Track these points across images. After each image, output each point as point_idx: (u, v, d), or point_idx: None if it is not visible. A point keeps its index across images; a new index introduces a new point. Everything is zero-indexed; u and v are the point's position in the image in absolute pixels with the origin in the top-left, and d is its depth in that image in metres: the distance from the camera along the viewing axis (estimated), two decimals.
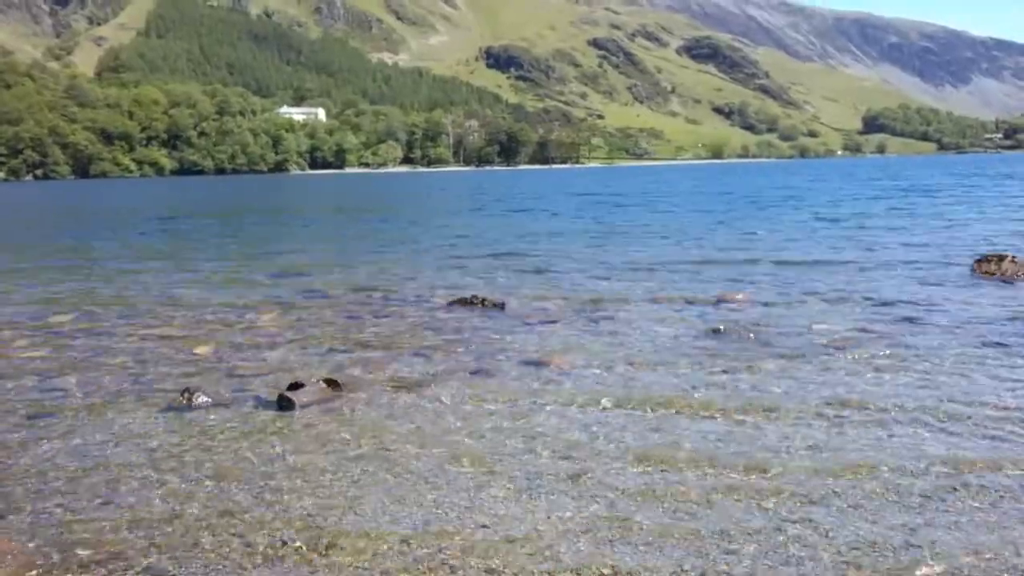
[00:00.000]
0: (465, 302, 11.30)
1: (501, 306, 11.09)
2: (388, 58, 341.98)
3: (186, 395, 7.01)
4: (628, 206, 36.18)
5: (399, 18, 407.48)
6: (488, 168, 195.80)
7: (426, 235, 23.70)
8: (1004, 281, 12.24)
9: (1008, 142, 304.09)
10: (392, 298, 12.09)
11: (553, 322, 10.03)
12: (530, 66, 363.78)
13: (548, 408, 6.62)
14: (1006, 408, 6.28)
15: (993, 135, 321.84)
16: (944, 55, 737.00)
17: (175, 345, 9.18)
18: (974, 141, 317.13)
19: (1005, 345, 8.26)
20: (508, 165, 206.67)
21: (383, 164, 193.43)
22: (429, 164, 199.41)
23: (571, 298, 11.68)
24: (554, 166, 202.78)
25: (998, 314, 9.81)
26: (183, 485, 5.19)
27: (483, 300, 11.27)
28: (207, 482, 5.22)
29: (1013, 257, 13.10)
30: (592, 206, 37.03)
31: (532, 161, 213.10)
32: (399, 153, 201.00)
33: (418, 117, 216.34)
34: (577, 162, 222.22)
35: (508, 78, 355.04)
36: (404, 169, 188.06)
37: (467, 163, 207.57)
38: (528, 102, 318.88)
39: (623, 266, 15.13)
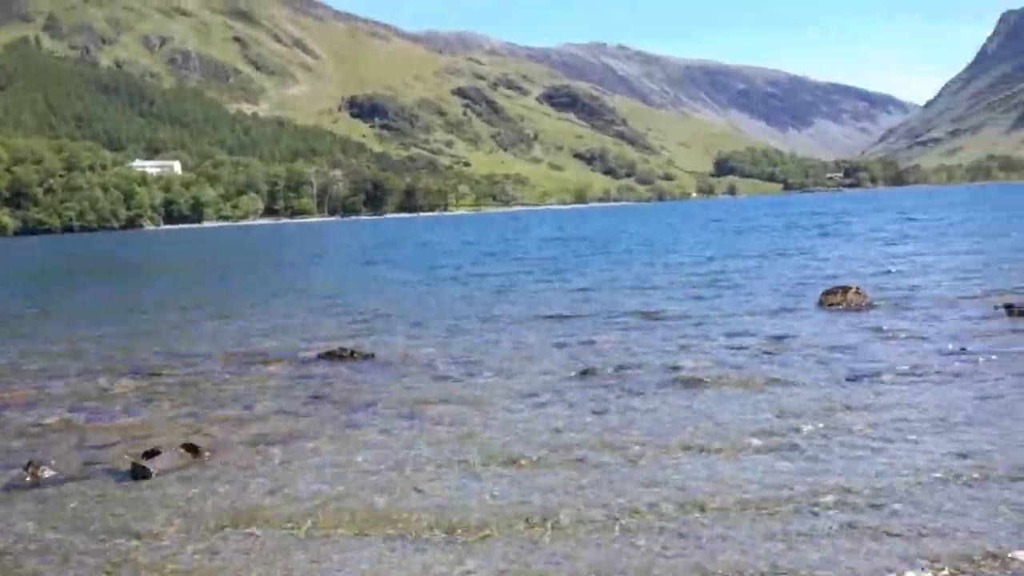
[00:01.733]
0: (333, 354, 11.07)
1: (371, 357, 10.92)
2: (247, 108, 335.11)
3: (31, 469, 6.53)
4: (493, 255, 36.51)
5: (258, 68, 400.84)
6: (354, 217, 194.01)
7: (287, 289, 23.16)
8: (848, 311, 13.00)
9: (848, 180, 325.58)
10: (255, 354, 11.70)
11: (424, 372, 9.94)
12: (395, 115, 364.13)
13: (422, 460, 6.50)
14: (864, 430, 6.62)
15: (835, 174, 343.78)
16: (787, 100, 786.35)
17: (19, 415, 8.56)
18: (817, 180, 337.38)
19: (852, 373, 8.73)
20: (375, 214, 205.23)
21: (243, 216, 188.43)
22: (292, 215, 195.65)
23: (441, 347, 11.62)
24: (422, 214, 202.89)
25: (843, 343, 10.37)
26: (25, 571, 4.79)
27: (352, 352, 11.07)
28: (52, 567, 4.84)
29: (856, 288, 13.99)
30: (455, 255, 37.18)
31: (399, 209, 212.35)
32: (260, 205, 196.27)
33: (280, 168, 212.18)
34: (445, 209, 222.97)
35: (372, 127, 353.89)
36: (266, 221, 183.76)
37: (332, 213, 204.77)
38: (394, 151, 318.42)
39: (490, 315, 15.19)
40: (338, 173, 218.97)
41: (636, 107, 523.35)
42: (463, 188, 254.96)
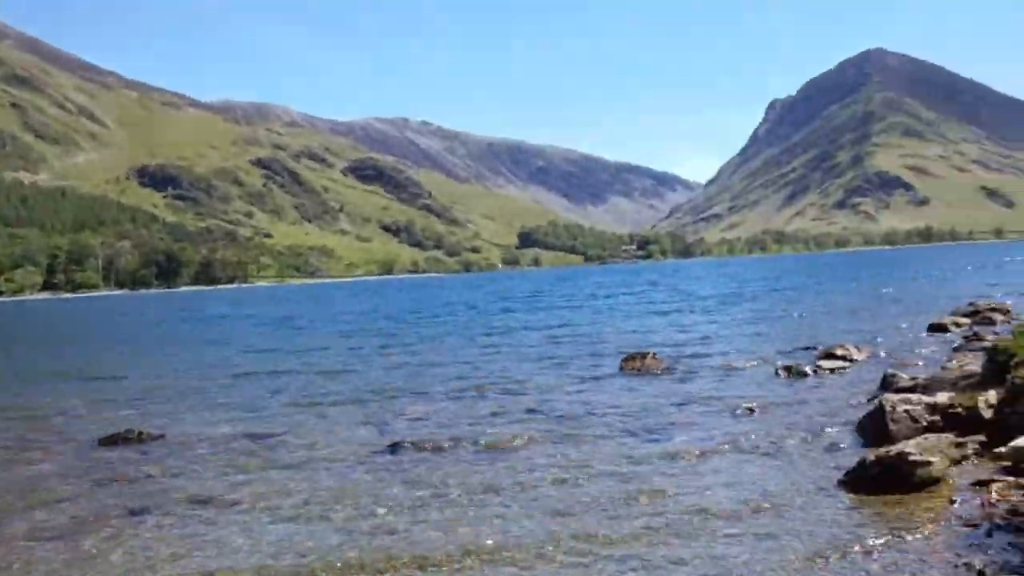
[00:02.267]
0: (117, 437, 10.25)
1: (160, 438, 10.20)
2: (26, 177, 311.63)
3: None
4: (300, 329, 35.52)
5: (39, 136, 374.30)
6: (144, 291, 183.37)
7: (62, 369, 21.35)
8: (647, 375, 13.61)
9: (641, 252, 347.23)
10: (30, 439, 10.65)
11: (219, 453, 9.38)
12: (189, 185, 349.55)
13: (212, 559, 6.04)
14: (665, 510, 6.82)
15: (629, 247, 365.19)
16: (584, 177, 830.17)
17: None
18: (613, 253, 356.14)
19: (648, 433, 9.07)
20: (168, 286, 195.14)
21: (20, 291, 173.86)
22: (75, 289, 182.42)
23: (237, 427, 11.01)
24: (220, 286, 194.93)
25: (643, 407, 10.79)
26: None
27: (139, 433, 10.31)
28: None
29: (653, 354, 14.79)
30: (250, 329, 35.90)
31: (196, 281, 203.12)
32: (39, 279, 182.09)
33: (61, 239, 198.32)
34: (245, 281, 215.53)
35: (165, 197, 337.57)
36: (45, 296, 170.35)
37: (120, 286, 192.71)
38: (188, 221, 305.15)
39: (288, 389, 14.66)
40: (126, 244, 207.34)
41: (441, 181, 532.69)
42: (265, 260, 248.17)
